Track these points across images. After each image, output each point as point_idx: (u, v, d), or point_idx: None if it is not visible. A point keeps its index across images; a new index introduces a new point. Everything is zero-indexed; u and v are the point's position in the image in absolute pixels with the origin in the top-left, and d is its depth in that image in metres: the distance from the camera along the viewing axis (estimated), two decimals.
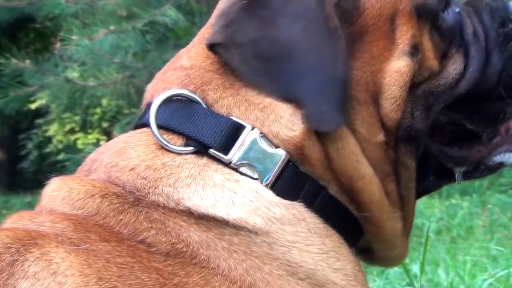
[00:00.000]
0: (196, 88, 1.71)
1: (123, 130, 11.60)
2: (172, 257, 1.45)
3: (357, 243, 1.76)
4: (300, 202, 1.63)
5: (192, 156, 1.64)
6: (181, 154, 1.64)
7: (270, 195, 1.61)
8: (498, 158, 1.86)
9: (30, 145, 31.27)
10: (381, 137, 1.72)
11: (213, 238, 1.51)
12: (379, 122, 1.72)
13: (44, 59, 12.59)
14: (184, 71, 1.77)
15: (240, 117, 1.65)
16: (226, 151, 1.62)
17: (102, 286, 1.35)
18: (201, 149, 1.64)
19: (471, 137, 1.87)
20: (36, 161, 31.51)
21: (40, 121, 30.36)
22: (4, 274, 1.37)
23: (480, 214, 12.78)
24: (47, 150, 30.31)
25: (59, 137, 30.25)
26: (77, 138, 30.01)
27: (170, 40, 11.81)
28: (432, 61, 1.76)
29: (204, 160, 1.63)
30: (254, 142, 1.62)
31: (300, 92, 1.60)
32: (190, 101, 1.70)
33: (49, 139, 30.53)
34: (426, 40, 1.75)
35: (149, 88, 1.92)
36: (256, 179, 1.62)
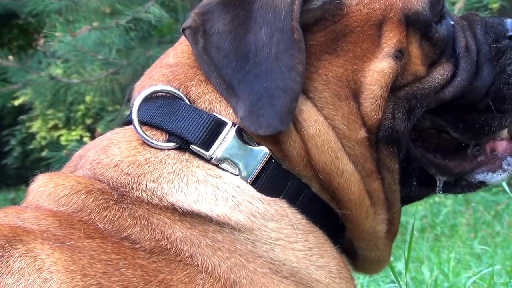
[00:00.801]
0: (180, 84, 1.73)
1: (107, 127, 11.62)
2: (156, 254, 1.44)
3: (341, 241, 1.75)
4: (282, 198, 1.64)
5: (175, 152, 1.64)
6: (163, 149, 1.64)
7: (252, 190, 1.62)
8: (480, 177, 1.89)
9: (13, 141, 31.25)
10: (362, 133, 1.73)
11: (197, 235, 1.50)
12: (360, 119, 1.74)
13: (28, 56, 12.60)
14: (170, 68, 1.78)
15: (221, 112, 1.67)
16: (207, 147, 1.62)
17: (87, 283, 1.34)
18: (183, 145, 1.64)
19: (457, 149, 1.90)
20: (19, 157, 31.50)
21: (23, 117, 30.35)
22: None
23: (464, 212, 12.87)
24: (31, 146, 30.31)
25: (43, 133, 30.22)
26: (61, 135, 29.98)
27: (154, 37, 11.83)
28: (418, 67, 1.77)
29: (186, 156, 1.64)
30: (234, 139, 1.63)
31: (246, 92, 1.61)
32: (174, 97, 1.71)
33: (32, 136, 30.51)
34: (414, 48, 1.77)
35: (137, 86, 1.94)
36: (236, 175, 1.62)
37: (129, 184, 1.58)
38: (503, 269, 5.80)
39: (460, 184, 1.91)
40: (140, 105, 1.69)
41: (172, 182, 1.58)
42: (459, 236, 10.07)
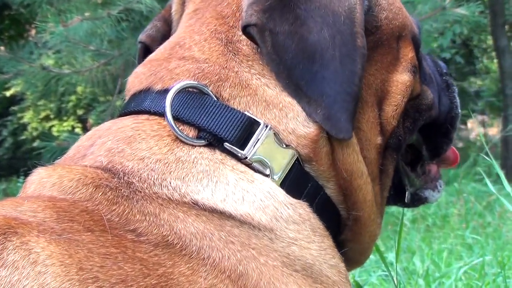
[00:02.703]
0: (210, 83, 1.72)
1: (99, 118, 11.63)
2: (160, 248, 1.43)
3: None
4: (304, 201, 1.66)
5: (207, 150, 1.64)
6: (194, 146, 1.64)
7: (281, 195, 1.63)
8: (426, 193, 2.07)
9: (5, 132, 31.28)
10: (379, 139, 1.81)
11: (212, 229, 1.50)
12: (379, 125, 1.81)
13: (19, 46, 12.61)
14: (196, 63, 1.76)
15: (257, 115, 1.67)
16: (242, 146, 1.63)
17: (83, 276, 1.33)
18: (214, 142, 1.64)
19: (415, 165, 2.07)
20: (11, 148, 31.52)
21: (15, 108, 30.39)
22: None
23: (455, 203, 12.92)
24: (22, 137, 30.35)
25: (34, 124, 30.26)
26: (52, 125, 30.02)
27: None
28: (418, 84, 1.89)
29: (218, 155, 1.64)
30: (268, 139, 1.64)
31: (319, 93, 1.63)
32: (202, 93, 1.70)
33: (24, 126, 30.54)
34: (417, 66, 1.90)
35: (144, 75, 1.89)
36: (267, 175, 1.64)
37: (149, 179, 1.58)
38: (494, 259, 5.82)
39: (414, 198, 2.06)
40: (173, 99, 1.67)
41: (201, 181, 1.58)
42: (451, 226, 10.11)
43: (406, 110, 1.86)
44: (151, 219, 1.49)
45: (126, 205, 1.52)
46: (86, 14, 10.17)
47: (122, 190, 1.55)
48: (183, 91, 1.69)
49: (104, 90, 12.38)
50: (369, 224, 1.83)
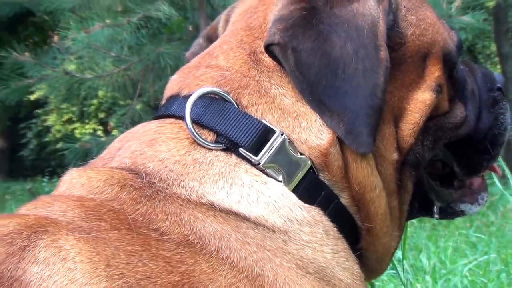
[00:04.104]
0: (231, 89, 1.71)
1: (119, 121, 11.66)
2: (182, 247, 1.43)
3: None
4: (317, 206, 1.64)
5: (223, 153, 1.64)
6: (212, 150, 1.64)
7: (294, 198, 1.62)
8: (462, 206, 2.00)
9: (29, 134, 31.40)
10: (395, 155, 1.76)
11: (229, 230, 1.50)
12: (395, 142, 1.77)
13: (43, 52, 12.65)
14: (220, 71, 1.76)
15: (272, 123, 1.66)
16: (256, 152, 1.62)
17: (110, 273, 1.33)
18: (231, 147, 1.64)
19: (449, 180, 2.00)
20: (35, 149, 31.64)
21: (39, 111, 30.46)
22: (15, 258, 1.35)
23: None
24: (46, 139, 30.44)
25: (58, 126, 30.36)
26: (75, 128, 30.12)
27: (164, 34, 11.83)
28: (445, 102, 1.83)
29: (234, 159, 1.63)
30: (282, 147, 1.63)
31: (341, 108, 1.61)
32: (223, 100, 1.69)
33: (48, 129, 30.64)
34: (445, 84, 1.82)
35: (176, 81, 1.91)
36: (280, 181, 1.62)
37: (169, 179, 1.58)
38: (498, 257, 5.80)
39: (446, 211, 2.00)
40: (193, 105, 1.67)
41: (216, 183, 1.58)
42: (455, 225, 10.07)
43: (426, 128, 1.82)
44: (173, 218, 1.49)
45: (149, 204, 1.52)
46: (107, 21, 10.19)
47: (145, 190, 1.55)
48: (205, 96, 1.70)
49: (124, 94, 12.41)
50: (381, 236, 1.80)
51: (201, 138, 1.63)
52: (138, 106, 10.75)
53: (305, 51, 1.62)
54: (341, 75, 1.61)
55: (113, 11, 10.73)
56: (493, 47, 27.72)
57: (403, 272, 3.75)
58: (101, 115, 29.02)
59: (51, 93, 18.23)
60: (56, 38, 19.69)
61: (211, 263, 1.42)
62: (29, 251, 1.37)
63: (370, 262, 1.83)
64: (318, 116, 1.67)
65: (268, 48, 1.67)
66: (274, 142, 1.62)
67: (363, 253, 1.79)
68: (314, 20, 1.66)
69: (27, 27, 26.78)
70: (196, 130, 1.64)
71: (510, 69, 22.89)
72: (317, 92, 1.62)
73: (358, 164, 1.69)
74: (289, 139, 1.65)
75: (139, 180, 1.58)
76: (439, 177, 1.96)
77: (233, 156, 1.63)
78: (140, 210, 1.50)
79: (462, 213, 2.01)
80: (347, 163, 1.69)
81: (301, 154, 1.65)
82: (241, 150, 1.63)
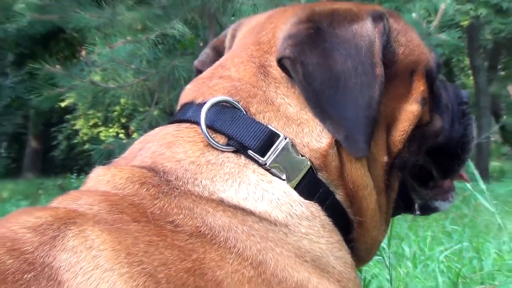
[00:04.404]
0: (241, 99, 1.72)
1: (138, 125, 11.69)
2: (194, 237, 1.44)
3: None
4: (315, 202, 1.65)
5: (233, 155, 1.65)
6: (223, 152, 1.65)
7: (295, 195, 1.63)
8: (436, 203, 2.05)
9: (60, 137, 31.48)
10: (385, 158, 1.79)
11: (236, 223, 1.51)
12: (386, 147, 1.80)
13: (72, 65, 12.67)
14: (231, 82, 1.78)
15: (278, 128, 1.68)
16: (262, 154, 1.64)
17: (130, 260, 1.34)
18: (240, 149, 1.65)
19: (426, 181, 2.04)
20: (65, 150, 31.71)
21: (68, 116, 30.53)
22: (47, 246, 1.36)
23: None
24: (75, 141, 30.51)
25: (85, 130, 30.43)
26: (100, 131, 30.18)
27: (178, 50, 11.86)
28: (427, 114, 1.87)
29: (243, 160, 1.64)
30: (285, 149, 1.65)
31: (341, 117, 1.64)
32: (233, 107, 1.70)
33: (76, 132, 30.70)
34: (427, 97, 1.86)
35: (190, 90, 1.91)
36: (284, 180, 1.64)
37: (184, 178, 1.58)
38: (470, 245, 5.82)
39: (424, 208, 2.04)
40: (207, 111, 1.68)
41: (226, 181, 1.59)
42: (433, 217, 10.07)
43: (412, 136, 1.84)
44: (186, 212, 1.50)
45: (166, 200, 1.53)
46: (128, 38, 10.20)
47: (163, 187, 1.56)
48: (218, 104, 1.70)
49: (143, 102, 12.43)
50: (371, 229, 1.82)
51: (214, 141, 1.64)
52: (155, 112, 10.76)
53: (311, 65, 1.64)
54: (342, 88, 1.63)
55: (134, 29, 10.75)
56: (467, 61, 27.75)
57: (388, 258, 3.75)
58: (123, 120, 29.09)
59: (79, 101, 18.29)
60: (83, 52, 19.70)
61: (220, 251, 1.43)
62: (59, 240, 1.38)
63: (360, 253, 1.84)
64: (320, 123, 1.68)
65: (279, 61, 1.69)
66: (279, 145, 1.64)
67: (354, 244, 1.80)
68: (319, 38, 1.69)
69: (58, 43, 26.84)
70: (210, 134, 1.65)
71: (481, 80, 22.92)
72: (321, 101, 1.64)
73: (353, 165, 1.71)
74: (292, 142, 1.67)
75: (157, 178, 1.58)
76: (418, 179, 1.99)
77: (242, 157, 1.64)
78: (157, 204, 1.50)
79: (436, 210, 2.06)
80: (343, 164, 1.71)
81: (302, 155, 1.66)
82: (250, 152, 1.64)
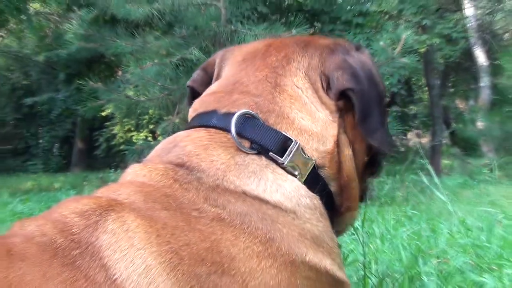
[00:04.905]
0: (261, 112, 1.74)
1: (163, 130, 11.70)
2: (215, 222, 1.44)
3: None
4: (316, 193, 1.68)
5: (256, 157, 1.66)
6: (248, 154, 1.66)
7: (303, 190, 1.65)
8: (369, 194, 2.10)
9: (101, 139, 31.35)
10: (366, 158, 1.88)
11: (253, 210, 1.51)
12: (367, 149, 1.88)
13: (111, 82, 12.68)
14: (252, 98, 1.79)
15: (292, 135, 1.70)
16: (281, 155, 1.66)
17: (159, 241, 1.34)
18: (262, 152, 1.66)
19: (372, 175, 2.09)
20: (105, 149, 31.60)
21: (108, 123, 30.42)
22: (91, 228, 1.38)
23: (400, 188, 12.88)
24: (113, 143, 30.39)
25: (121, 134, 30.32)
26: (133, 135, 30.05)
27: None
28: None
29: (264, 161, 1.66)
30: (297, 152, 1.67)
31: (377, 132, 1.76)
32: (254, 118, 1.72)
33: (114, 136, 30.59)
34: None
35: (208, 102, 1.89)
36: (297, 175, 1.66)
37: (215, 175, 1.58)
38: (427, 226, 5.84)
39: (367, 197, 2.10)
40: (236, 121, 1.69)
41: (249, 178, 1.59)
42: (397, 204, 10.08)
43: None
44: (211, 202, 1.51)
45: (195, 192, 1.53)
46: (155, 61, 10.20)
47: (194, 182, 1.57)
48: (242, 115, 1.71)
49: (167, 112, 12.40)
50: (355, 211, 1.90)
51: (242, 145, 1.65)
52: (177, 120, 10.75)
53: (365, 91, 1.75)
54: (373, 106, 1.75)
55: (160, 54, 10.74)
56: (423, 80, 27.70)
57: (362, 237, 3.73)
58: (151, 126, 29.02)
59: (116, 111, 18.26)
60: (119, 72, 19.71)
61: (235, 232, 1.43)
62: (101, 224, 1.39)
63: (343, 229, 1.94)
64: (334, 134, 1.76)
65: (344, 92, 1.77)
66: (293, 147, 1.66)
67: (336, 221, 1.84)
68: (360, 68, 1.80)
69: (100, 65, 26.85)
70: (237, 139, 1.66)
71: (435, 95, 22.88)
72: (368, 122, 1.75)
73: (348, 163, 1.77)
74: (302, 146, 1.70)
75: (189, 176, 1.59)
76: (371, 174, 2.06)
77: (263, 159, 1.66)
78: (187, 196, 1.51)
79: (366, 200, 2.11)
80: (341, 161, 1.76)
81: (309, 157, 1.70)
82: (270, 154, 1.66)
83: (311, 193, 1.67)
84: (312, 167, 1.71)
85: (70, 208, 1.48)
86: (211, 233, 1.42)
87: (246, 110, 1.73)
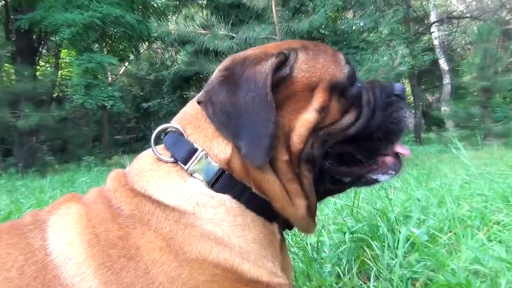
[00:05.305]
0: (182, 125, 1.42)
1: None
2: (129, 218, 1.26)
3: (277, 220, 1.42)
4: (227, 194, 1.34)
5: (171, 165, 1.37)
6: (167, 163, 1.38)
7: (205, 189, 1.32)
8: (375, 176, 1.47)
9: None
10: (286, 157, 1.36)
11: (158, 211, 1.27)
12: (286, 148, 1.36)
13: None
14: (182, 114, 1.48)
15: (200, 145, 1.37)
16: (185, 163, 1.35)
17: (87, 224, 1.24)
18: (176, 161, 1.37)
19: (356, 162, 1.47)
20: None
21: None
22: (49, 212, 1.35)
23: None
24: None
25: None
26: None
27: None
28: (335, 115, 1.41)
29: (176, 168, 1.37)
30: (202, 159, 1.34)
31: (242, 139, 1.29)
32: (176, 131, 1.42)
33: None
34: (334, 103, 1.41)
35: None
36: (201, 180, 1.33)
37: (134, 181, 1.36)
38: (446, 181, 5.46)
39: (361, 180, 1.48)
40: (155, 135, 1.44)
41: (156, 183, 1.34)
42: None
43: (315, 136, 1.39)
44: (128, 201, 1.31)
45: (121, 192, 1.34)
46: None
47: (126, 185, 1.36)
48: (163, 130, 1.46)
49: None
50: (285, 207, 1.39)
51: (159, 155, 1.40)
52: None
53: (219, 103, 1.31)
54: (244, 116, 1.28)
55: None
56: (407, 81, 27.20)
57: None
58: None
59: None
60: None
61: (143, 228, 1.24)
62: (56, 209, 1.34)
63: (297, 223, 1.47)
64: (224, 140, 1.37)
65: (199, 103, 1.39)
66: (198, 156, 1.34)
67: (287, 219, 1.44)
68: (228, 82, 1.33)
69: (195, 80, 26.61)
70: (161, 150, 1.42)
71: (415, 91, 22.39)
72: (229, 128, 1.31)
73: (251, 168, 1.35)
74: (207, 154, 1.36)
75: (125, 180, 1.39)
76: (346, 163, 1.46)
77: (178, 167, 1.36)
78: (116, 195, 1.33)
79: (376, 181, 1.50)
80: (245, 165, 1.35)
81: (215, 162, 1.35)
82: (179, 162, 1.36)
83: (216, 194, 1.33)
84: (219, 172, 1.35)
85: (56, 200, 1.40)
86: (126, 226, 1.24)
87: (170, 125, 1.45)
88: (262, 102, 1.28)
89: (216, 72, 1.37)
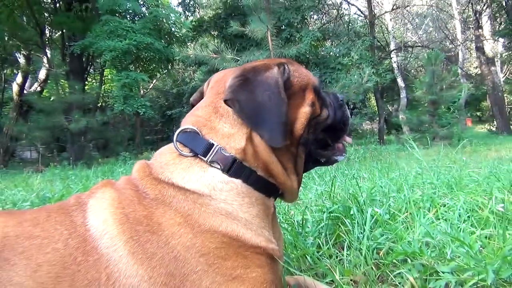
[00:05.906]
0: (198, 127, 1.39)
1: None
2: (153, 200, 1.23)
3: (277, 195, 1.44)
4: (239, 179, 1.32)
5: (191, 159, 1.34)
6: (186, 157, 1.34)
7: (220, 176, 1.30)
8: (336, 157, 1.55)
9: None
10: (288, 142, 1.37)
11: (179, 194, 1.24)
12: (289, 134, 1.39)
13: None
14: (195, 117, 1.43)
15: (217, 141, 1.35)
16: (205, 155, 1.32)
17: (118, 206, 1.19)
18: (196, 154, 1.34)
19: (326, 146, 1.55)
20: None
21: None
22: (89, 196, 1.32)
23: (368, 152, 12.33)
24: None
25: None
26: None
27: None
28: (318, 110, 1.47)
29: (196, 160, 1.34)
30: (218, 151, 1.32)
31: (264, 128, 1.28)
32: (193, 132, 1.38)
33: None
34: (316, 101, 1.48)
35: (182, 122, 1.54)
36: (219, 169, 1.31)
37: (159, 172, 1.32)
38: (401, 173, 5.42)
39: (329, 161, 1.54)
40: (177, 135, 1.40)
41: (179, 173, 1.30)
42: (368, 161, 9.61)
43: (309, 124, 1.43)
44: (153, 187, 1.27)
45: (146, 180, 1.31)
46: None
47: (150, 175, 1.32)
48: (185, 130, 1.41)
49: None
50: (285, 183, 1.40)
51: (181, 150, 1.36)
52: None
53: (242, 100, 1.29)
54: (263, 110, 1.28)
55: None
56: (372, 95, 27.06)
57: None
58: None
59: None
60: None
61: (165, 208, 1.21)
62: (94, 193, 1.31)
63: (289, 196, 1.47)
64: (240, 133, 1.35)
65: (225, 102, 1.34)
66: (214, 149, 1.32)
67: (284, 193, 1.45)
68: (246, 84, 1.32)
69: None
70: (180, 147, 1.38)
71: (379, 103, 22.27)
72: (252, 121, 1.30)
73: (262, 152, 1.35)
74: (224, 148, 1.34)
75: (150, 170, 1.35)
76: (320, 146, 1.52)
77: (197, 159, 1.34)
78: (143, 182, 1.30)
79: (337, 161, 1.56)
80: (256, 152, 1.35)
81: (229, 154, 1.33)
82: (199, 155, 1.34)
83: (230, 179, 1.30)
84: (233, 161, 1.39)
85: (94, 186, 1.37)
86: (150, 207, 1.21)
87: (188, 126, 1.41)
88: (276, 99, 1.30)
89: (233, 78, 1.36)
